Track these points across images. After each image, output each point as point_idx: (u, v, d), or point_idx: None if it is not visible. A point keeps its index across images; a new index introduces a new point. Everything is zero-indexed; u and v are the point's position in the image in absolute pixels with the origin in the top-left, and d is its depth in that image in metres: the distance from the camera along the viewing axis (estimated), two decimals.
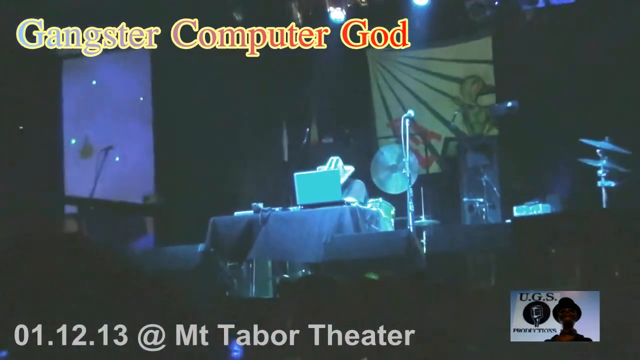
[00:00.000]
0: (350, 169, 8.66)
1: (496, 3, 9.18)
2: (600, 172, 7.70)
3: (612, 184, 7.76)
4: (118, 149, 9.02)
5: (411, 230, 7.53)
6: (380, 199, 8.33)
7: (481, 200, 8.85)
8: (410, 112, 8.79)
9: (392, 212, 8.34)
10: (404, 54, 10.51)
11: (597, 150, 7.71)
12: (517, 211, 8.18)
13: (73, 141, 11.32)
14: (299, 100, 10.82)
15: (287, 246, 7.51)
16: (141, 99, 10.98)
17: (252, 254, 7.64)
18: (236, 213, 8.00)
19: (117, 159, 9.86)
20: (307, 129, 10.38)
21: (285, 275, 8.04)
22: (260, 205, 7.79)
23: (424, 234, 7.36)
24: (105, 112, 11.05)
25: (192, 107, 10.08)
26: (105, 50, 11.16)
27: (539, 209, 8.07)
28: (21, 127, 10.32)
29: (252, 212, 7.77)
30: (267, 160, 10.54)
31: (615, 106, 8.63)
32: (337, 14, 9.51)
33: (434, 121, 10.32)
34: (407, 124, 8.49)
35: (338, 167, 8.51)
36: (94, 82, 11.31)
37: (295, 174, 8.03)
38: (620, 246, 5.05)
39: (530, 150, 9.49)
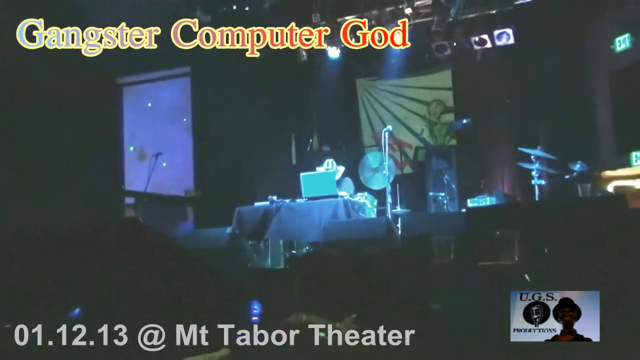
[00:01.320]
0: (342, 168, 8.66)
1: (454, 44, 9.15)
2: (534, 173, 7.69)
3: (543, 182, 7.77)
4: (166, 155, 8.91)
5: (389, 217, 7.55)
6: (366, 193, 8.31)
7: (443, 194, 8.85)
8: (389, 127, 8.77)
9: (375, 203, 8.32)
10: (385, 83, 10.53)
11: (532, 157, 7.71)
12: (470, 203, 8.18)
13: (131, 148, 11.31)
14: (305, 119, 10.81)
15: (295, 229, 7.49)
16: (185, 120, 10.92)
17: (268, 235, 7.63)
18: (256, 203, 7.97)
19: (165, 164, 9.62)
20: (310, 140, 10.38)
21: (293, 251, 8.04)
22: (275, 197, 7.79)
23: (399, 220, 7.33)
24: (156, 127, 11.05)
25: (222, 124, 10.06)
26: (158, 79, 11.22)
27: (487, 201, 8.06)
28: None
29: (268, 203, 7.76)
30: (280, 164, 10.51)
31: (545, 123, 8.63)
32: (333, 52, 9.46)
33: (407, 134, 10.30)
34: (387, 136, 8.48)
35: (333, 167, 8.52)
36: (149, 104, 11.32)
37: (301, 174, 8.03)
38: (549, 230, 5.03)
39: (481, 157, 9.49)
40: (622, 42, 8.01)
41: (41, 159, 9.19)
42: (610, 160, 7.63)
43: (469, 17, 8.95)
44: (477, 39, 9.01)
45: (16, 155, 8.77)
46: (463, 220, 6.02)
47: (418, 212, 8.85)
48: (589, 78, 8.66)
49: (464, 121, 9.63)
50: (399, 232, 6.80)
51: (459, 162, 9.29)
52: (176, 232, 9.21)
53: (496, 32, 8.81)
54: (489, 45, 9.00)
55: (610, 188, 6.70)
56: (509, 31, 8.77)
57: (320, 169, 8.42)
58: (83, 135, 9.78)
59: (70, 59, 8.16)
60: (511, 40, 8.82)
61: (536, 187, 7.66)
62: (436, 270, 5.10)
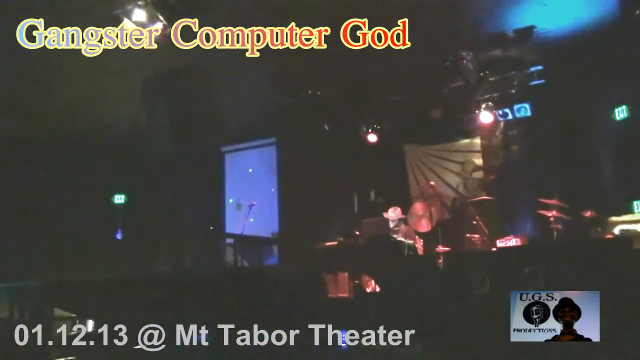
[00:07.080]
0: (401, 214, 8.61)
1: (482, 116, 9.17)
2: (551, 219, 7.56)
3: (560, 226, 7.60)
4: (257, 206, 9.12)
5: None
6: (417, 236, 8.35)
7: (477, 235, 8.70)
8: (432, 182, 8.84)
9: (422, 242, 8.37)
10: (428, 148, 10.56)
11: (549, 205, 7.60)
12: (499, 244, 8.06)
13: (230, 200, 11.71)
14: (364, 178, 10.91)
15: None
16: (272, 190, 11.14)
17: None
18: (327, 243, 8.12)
19: (252, 219, 9.09)
20: (370, 194, 10.52)
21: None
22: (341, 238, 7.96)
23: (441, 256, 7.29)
24: (251, 186, 11.42)
25: (299, 182, 10.34)
26: (250, 147, 11.63)
27: (513, 242, 7.92)
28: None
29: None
30: (345, 212, 10.61)
31: (560, 178, 8.40)
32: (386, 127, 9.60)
33: (446, 187, 10.28)
34: (430, 189, 8.52)
35: (396, 212, 8.48)
36: (250, 170, 11.67)
37: (363, 220, 8.14)
38: (568, 268, 4.86)
39: (508, 206, 9.30)
40: (620, 112, 7.90)
41: (164, 210, 9.67)
42: (615, 207, 7.40)
43: (494, 95, 9.01)
44: (500, 112, 9.05)
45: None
46: (494, 257, 5.94)
47: (456, 250, 8.74)
48: (595, 142, 8.49)
49: (491, 177, 9.58)
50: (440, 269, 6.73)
51: (490, 210, 9.17)
52: (265, 264, 9.41)
53: (516, 107, 8.85)
54: (510, 117, 9.04)
55: (616, 231, 6.49)
56: (527, 105, 8.79)
57: (385, 214, 8.42)
58: (195, 189, 10.25)
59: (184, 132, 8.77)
60: (528, 113, 8.83)
61: (554, 231, 7.51)
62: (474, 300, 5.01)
